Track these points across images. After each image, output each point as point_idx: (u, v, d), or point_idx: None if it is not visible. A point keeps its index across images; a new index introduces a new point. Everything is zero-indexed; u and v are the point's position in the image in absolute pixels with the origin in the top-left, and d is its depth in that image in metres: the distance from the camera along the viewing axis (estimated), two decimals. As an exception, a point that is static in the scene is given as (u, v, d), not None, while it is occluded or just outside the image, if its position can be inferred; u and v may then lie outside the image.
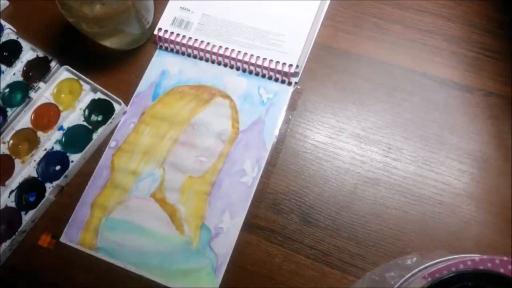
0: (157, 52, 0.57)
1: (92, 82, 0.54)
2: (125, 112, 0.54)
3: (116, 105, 0.53)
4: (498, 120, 0.49)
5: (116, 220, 0.49)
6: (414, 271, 0.35)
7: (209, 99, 0.53)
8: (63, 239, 0.49)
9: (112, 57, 0.57)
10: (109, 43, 0.55)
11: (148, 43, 0.58)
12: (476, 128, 0.49)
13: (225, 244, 0.47)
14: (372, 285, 0.40)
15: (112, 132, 0.54)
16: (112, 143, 0.53)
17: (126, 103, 0.54)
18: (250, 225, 0.48)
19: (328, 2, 0.56)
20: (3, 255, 0.49)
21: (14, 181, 0.51)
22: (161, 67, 0.56)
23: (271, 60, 0.52)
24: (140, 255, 0.47)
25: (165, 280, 0.46)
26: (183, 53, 0.56)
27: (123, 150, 0.52)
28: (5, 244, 0.48)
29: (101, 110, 0.54)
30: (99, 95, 0.54)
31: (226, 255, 0.46)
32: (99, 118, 0.54)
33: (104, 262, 0.48)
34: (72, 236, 0.49)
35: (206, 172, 0.50)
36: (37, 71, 0.56)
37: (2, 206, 0.50)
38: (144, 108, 0.54)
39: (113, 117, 0.53)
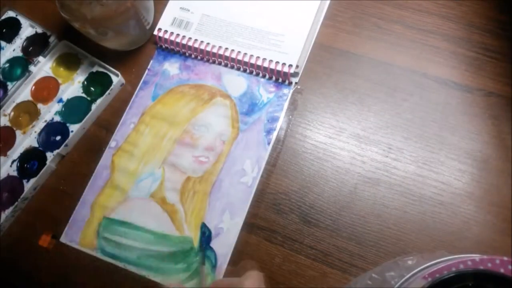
0: (157, 52, 0.57)
1: (90, 56, 0.56)
2: (122, 84, 0.55)
3: (113, 77, 0.55)
4: (498, 120, 0.49)
5: (116, 220, 0.49)
6: (414, 271, 0.35)
7: (209, 99, 0.53)
8: (63, 239, 0.49)
9: (112, 58, 0.57)
10: (109, 43, 0.55)
11: (148, 43, 0.58)
12: (476, 128, 0.49)
13: (225, 244, 0.47)
14: (372, 283, 0.39)
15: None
16: (112, 143, 0.53)
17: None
18: (250, 225, 0.48)
19: (328, 2, 0.56)
20: (6, 221, 0.51)
21: (16, 152, 0.53)
22: (161, 67, 0.56)
23: (271, 60, 0.52)
24: (140, 255, 0.47)
25: (165, 280, 0.46)
26: (183, 53, 0.56)
27: (123, 150, 0.52)
28: (8, 211, 0.50)
29: (99, 82, 0.55)
30: (97, 68, 0.56)
31: (226, 255, 0.46)
32: (98, 90, 0.55)
33: (104, 262, 0.48)
34: (72, 236, 0.49)
35: (206, 172, 0.50)
36: (36, 46, 0.57)
37: (5, 175, 0.52)
38: (144, 108, 0.54)
39: (111, 88, 0.54)
